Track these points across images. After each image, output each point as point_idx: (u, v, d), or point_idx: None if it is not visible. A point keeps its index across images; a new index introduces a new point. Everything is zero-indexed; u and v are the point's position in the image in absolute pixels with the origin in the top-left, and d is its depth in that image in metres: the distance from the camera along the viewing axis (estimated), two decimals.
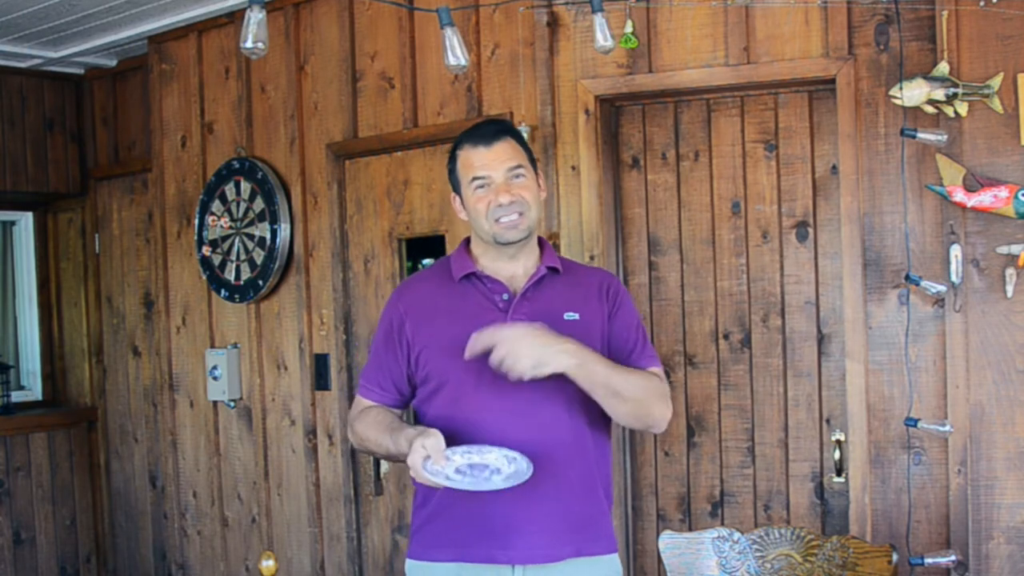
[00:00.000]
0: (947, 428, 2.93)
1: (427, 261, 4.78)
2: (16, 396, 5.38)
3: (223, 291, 4.43)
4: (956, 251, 2.90)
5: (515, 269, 2.41)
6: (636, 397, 2.30)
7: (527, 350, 2.15)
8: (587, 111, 3.40)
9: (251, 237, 4.32)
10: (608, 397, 2.27)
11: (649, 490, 3.50)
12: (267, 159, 4.33)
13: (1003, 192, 2.80)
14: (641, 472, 3.51)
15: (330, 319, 4.12)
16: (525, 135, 3.07)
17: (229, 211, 4.41)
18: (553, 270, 2.42)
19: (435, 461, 2.16)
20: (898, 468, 3.06)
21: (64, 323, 5.56)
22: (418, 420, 2.44)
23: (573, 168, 3.43)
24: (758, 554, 2.70)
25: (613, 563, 2.41)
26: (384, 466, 4.04)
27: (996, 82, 2.85)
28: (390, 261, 4.00)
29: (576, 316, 2.36)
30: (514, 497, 2.20)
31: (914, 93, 2.86)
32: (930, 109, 2.90)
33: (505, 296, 2.37)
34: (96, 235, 5.34)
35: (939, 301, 2.98)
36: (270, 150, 4.33)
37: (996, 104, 2.85)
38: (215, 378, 4.47)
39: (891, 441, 3.07)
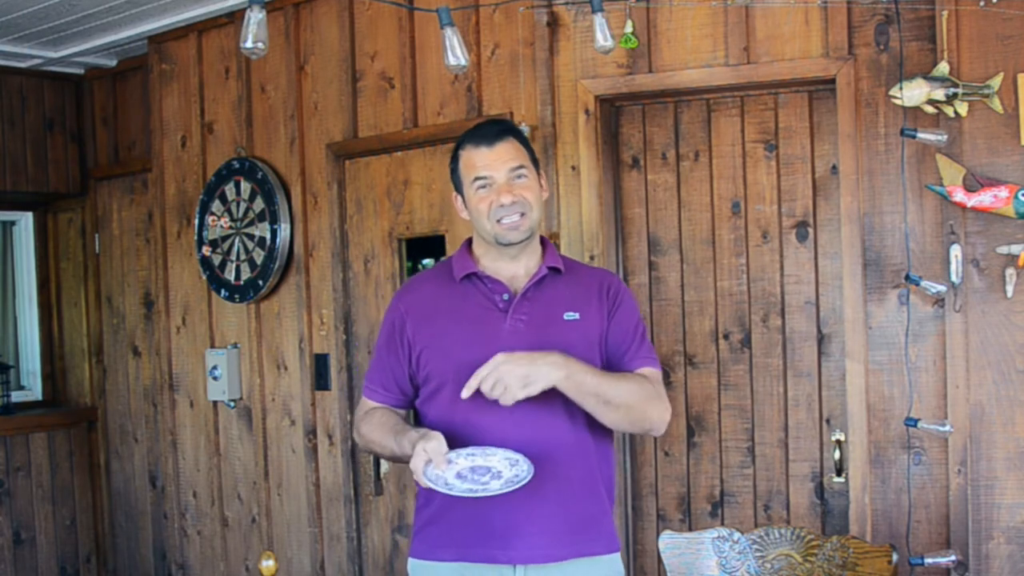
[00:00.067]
0: (947, 428, 2.93)
1: (427, 261, 4.78)
2: (16, 396, 5.38)
3: (223, 291, 4.43)
4: (956, 251, 2.90)
5: (516, 269, 2.41)
6: (628, 404, 2.30)
7: (510, 375, 2.15)
8: (587, 111, 3.40)
9: (251, 237, 4.32)
10: (599, 406, 2.27)
11: (649, 490, 3.50)
12: (267, 159, 4.33)
13: (1003, 192, 2.80)
14: (641, 472, 3.51)
15: (330, 319, 4.12)
16: (525, 135, 3.06)
17: (229, 211, 4.41)
18: (555, 270, 2.42)
19: (436, 465, 2.17)
20: (898, 468, 3.06)
21: (64, 323, 5.56)
22: (420, 420, 2.45)
23: (573, 168, 3.43)
24: (758, 554, 2.70)
25: (614, 563, 2.41)
26: (384, 466, 4.04)
27: (996, 82, 2.85)
28: (390, 261, 4.00)
29: (576, 316, 2.36)
30: (515, 498, 2.20)
31: (914, 93, 2.86)
32: (930, 109, 2.90)
33: (505, 296, 2.37)
34: (96, 235, 5.34)
35: (939, 301, 2.98)
36: (270, 150, 4.33)
37: (996, 104, 2.85)
38: (215, 378, 4.47)
39: (891, 441, 3.07)
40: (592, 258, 3.37)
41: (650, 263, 3.49)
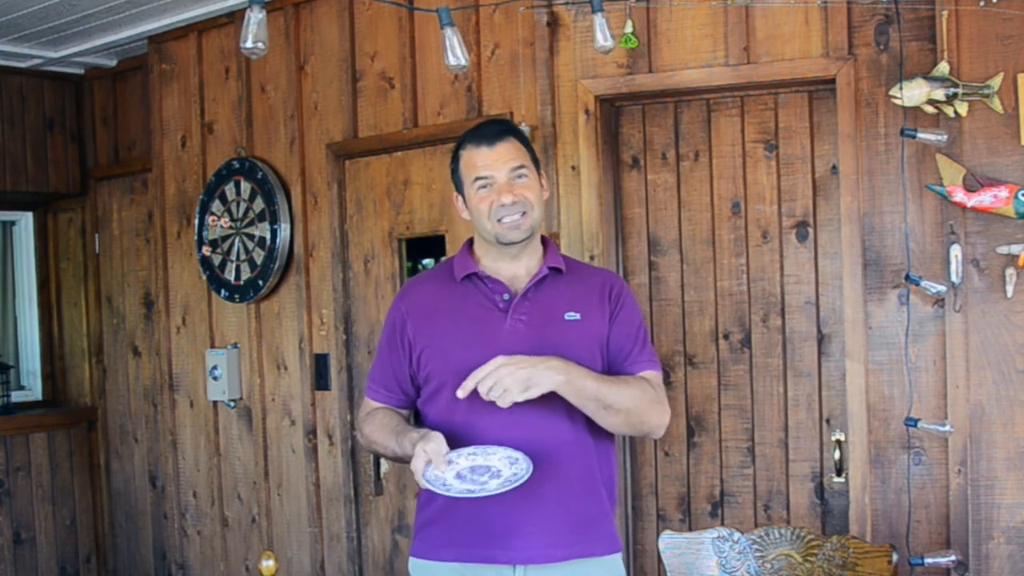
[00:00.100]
0: (947, 428, 2.93)
1: (427, 261, 4.79)
2: (16, 396, 5.38)
3: (223, 291, 4.43)
4: (956, 251, 2.90)
5: (517, 269, 2.41)
6: (628, 408, 2.30)
7: (510, 377, 2.14)
8: (587, 111, 3.40)
9: (251, 237, 4.32)
10: (599, 410, 2.27)
11: (649, 490, 3.50)
12: (267, 159, 4.33)
13: (1003, 192, 2.80)
14: (641, 472, 3.51)
15: (330, 319, 4.12)
16: (526, 135, 3.07)
17: (229, 211, 4.41)
18: (556, 270, 2.42)
19: (436, 466, 2.17)
20: (898, 468, 3.06)
21: (64, 323, 5.56)
22: (421, 420, 2.45)
23: (573, 168, 3.43)
24: (758, 554, 2.70)
25: (615, 564, 2.40)
26: (384, 466, 4.05)
27: (996, 82, 2.85)
28: (390, 261, 4.00)
29: (577, 316, 2.36)
30: (515, 498, 2.20)
31: (914, 93, 2.86)
32: (930, 109, 2.90)
33: (506, 296, 2.37)
34: (96, 235, 5.34)
35: (939, 301, 2.98)
36: (270, 150, 4.33)
37: (996, 104, 2.85)
38: (215, 378, 4.47)
39: (891, 441, 3.07)
40: (592, 258, 3.37)
41: (650, 263, 3.49)
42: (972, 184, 2.85)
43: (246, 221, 4.34)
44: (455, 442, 2.26)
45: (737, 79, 3.23)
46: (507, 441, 2.25)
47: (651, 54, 3.33)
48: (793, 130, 3.30)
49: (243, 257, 4.35)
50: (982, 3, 2.85)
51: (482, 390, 2.16)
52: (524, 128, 3.36)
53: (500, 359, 2.17)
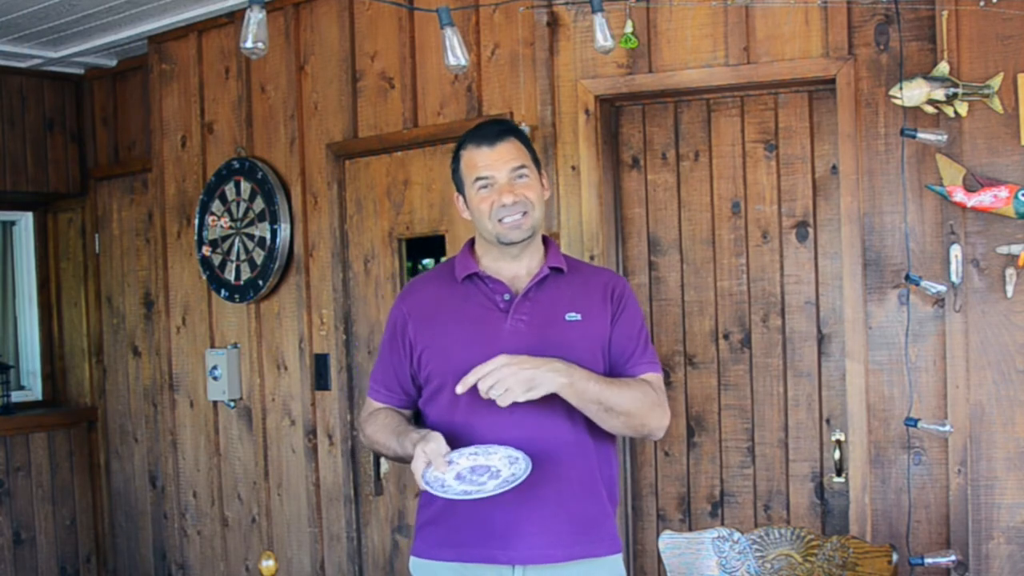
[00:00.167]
0: (947, 428, 2.93)
1: (427, 261, 4.79)
2: (16, 396, 5.38)
3: (223, 291, 4.43)
4: (956, 251, 2.90)
5: (518, 269, 2.41)
6: (629, 411, 2.30)
7: (513, 378, 2.14)
8: (587, 111, 3.40)
9: (251, 237, 4.32)
10: (600, 413, 2.28)
11: (649, 490, 3.50)
12: (267, 159, 4.33)
13: (1003, 192, 2.80)
14: (641, 472, 3.51)
15: (330, 319, 4.12)
16: (526, 135, 3.07)
17: (229, 211, 4.41)
18: (557, 270, 2.42)
19: (436, 467, 2.17)
20: (898, 468, 3.06)
21: (64, 323, 5.56)
22: (422, 420, 2.45)
23: (573, 168, 3.43)
24: (758, 554, 2.70)
25: (616, 565, 2.40)
26: (384, 466, 4.05)
27: (996, 82, 2.85)
28: (390, 261, 4.00)
29: (578, 317, 2.36)
30: (515, 498, 2.20)
31: (914, 93, 2.86)
32: (930, 109, 2.90)
33: (507, 296, 2.37)
34: (96, 235, 5.34)
35: (939, 301, 2.98)
36: (270, 150, 4.33)
37: (996, 104, 2.85)
38: (215, 378, 4.47)
39: (891, 441, 3.07)
40: (592, 258, 3.37)
41: (650, 263, 3.49)
42: (972, 184, 2.85)
43: (246, 221, 4.34)
44: (455, 442, 2.26)
45: (737, 79, 3.23)
46: (507, 441, 2.25)
47: (651, 54, 3.33)
48: (793, 130, 3.30)
49: (243, 257, 4.35)
50: (982, 3, 2.85)
51: (482, 387, 2.16)
52: (524, 128, 3.36)
53: (503, 358, 2.17)
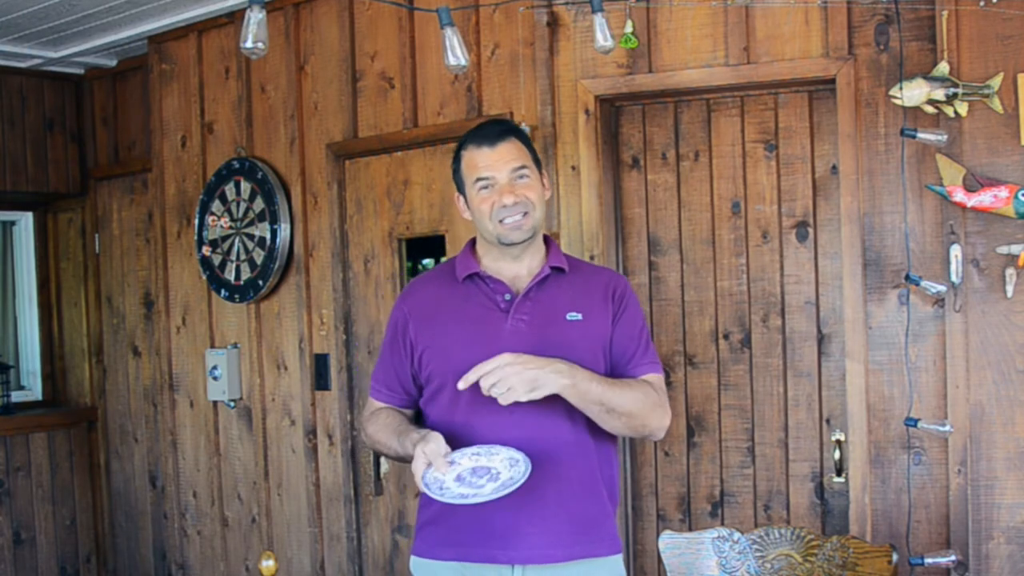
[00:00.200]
0: (947, 428, 2.93)
1: (427, 261, 4.79)
2: (16, 396, 5.38)
3: (223, 291, 4.43)
4: (956, 251, 2.90)
5: (519, 269, 2.41)
6: (630, 411, 2.30)
7: (516, 377, 2.14)
8: (587, 111, 3.40)
9: (251, 237, 4.32)
10: (602, 414, 2.28)
11: (649, 490, 3.50)
12: (267, 159, 4.33)
13: (1003, 192, 2.80)
14: (641, 472, 3.51)
15: (330, 319, 4.12)
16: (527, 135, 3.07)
17: (229, 211, 4.41)
18: (558, 270, 2.42)
19: (436, 467, 2.17)
20: (898, 468, 3.06)
21: (64, 323, 5.56)
22: (423, 420, 2.45)
23: (573, 168, 3.43)
24: (758, 554, 2.70)
25: (616, 565, 2.40)
26: (384, 466, 4.05)
27: (996, 82, 2.85)
28: (390, 261, 4.00)
29: (579, 317, 2.36)
30: (515, 498, 2.20)
31: (914, 93, 2.86)
32: (930, 109, 2.90)
33: (507, 296, 2.37)
34: (96, 235, 5.34)
35: (939, 301, 2.98)
36: (270, 150, 4.33)
37: (996, 104, 2.85)
38: (215, 378, 4.47)
39: (891, 441, 3.07)
40: (592, 258, 3.37)
41: (650, 263, 3.49)
42: (972, 184, 2.85)
43: (246, 221, 4.34)
44: (455, 442, 2.26)
45: (737, 79, 3.23)
46: (507, 442, 2.25)
47: (651, 54, 3.33)
48: (793, 130, 3.30)
49: (243, 257, 4.35)
50: (982, 3, 2.85)
51: (484, 384, 2.16)
52: (524, 128, 3.36)
53: (506, 356, 2.17)
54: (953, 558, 2.90)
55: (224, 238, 4.43)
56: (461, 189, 2.44)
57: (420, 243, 4.08)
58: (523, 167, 2.36)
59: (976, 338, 2.91)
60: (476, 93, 3.68)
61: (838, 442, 3.22)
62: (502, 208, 2.33)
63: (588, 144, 3.40)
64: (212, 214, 4.46)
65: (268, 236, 4.25)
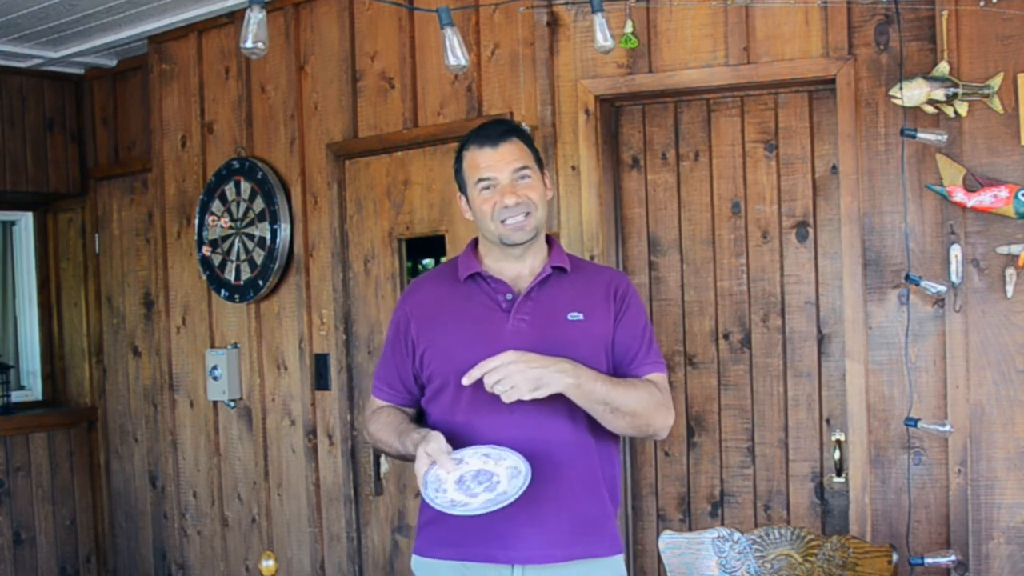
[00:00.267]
0: (947, 428, 2.93)
1: (427, 261, 4.79)
2: (16, 396, 5.38)
3: (223, 291, 4.43)
4: (956, 251, 2.90)
5: (521, 269, 2.41)
6: (635, 411, 2.30)
7: (520, 375, 2.14)
8: (587, 111, 3.40)
9: (251, 237, 4.32)
10: (606, 413, 2.27)
11: (649, 490, 3.50)
12: (267, 159, 4.33)
13: (1003, 192, 2.80)
14: (641, 472, 3.51)
15: (330, 319, 4.12)
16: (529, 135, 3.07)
17: (229, 211, 4.41)
18: (560, 269, 2.41)
19: (440, 465, 2.17)
20: (898, 468, 3.06)
21: (64, 323, 5.56)
22: (425, 419, 2.45)
23: (573, 168, 3.43)
24: (758, 554, 2.70)
25: (617, 565, 2.40)
26: (384, 466, 4.05)
27: (996, 82, 2.85)
28: (390, 261, 4.00)
29: (580, 317, 2.36)
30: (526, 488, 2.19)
31: (914, 93, 2.86)
32: (930, 109, 2.90)
33: (509, 296, 2.37)
34: (96, 235, 5.34)
35: (939, 301, 2.98)
36: (270, 150, 4.33)
37: (996, 104, 2.85)
38: (215, 378, 4.47)
39: (891, 441, 3.07)
40: (592, 258, 3.37)
41: (650, 263, 3.49)
42: (972, 184, 2.85)
43: (246, 221, 4.34)
44: (455, 441, 2.26)
45: (737, 79, 3.23)
46: (507, 441, 2.25)
47: (651, 54, 3.33)
48: (793, 130, 3.30)
49: (243, 257, 4.35)
50: (982, 3, 2.85)
51: (488, 381, 2.15)
52: (526, 128, 3.36)
53: (511, 354, 2.17)
54: (953, 558, 2.90)
55: (224, 238, 4.43)
56: (463, 189, 2.44)
57: (420, 243, 4.08)
58: (525, 167, 2.36)
59: (976, 338, 2.91)
60: (476, 93, 3.68)
61: (838, 442, 3.22)
62: (504, 208, 2.33)
63: (588, 144, 3.40)
64: (212, 214, 4.46)
65: (268, 236, 4.25)
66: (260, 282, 4.28)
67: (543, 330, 2.32)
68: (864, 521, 3.07)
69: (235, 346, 4.49)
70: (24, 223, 5.53)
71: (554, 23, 3.46)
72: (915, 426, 2.94)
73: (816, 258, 3.28)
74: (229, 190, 4.40)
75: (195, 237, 4.55)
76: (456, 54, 2.88)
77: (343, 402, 4.09)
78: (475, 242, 2.49)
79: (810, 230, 3.29)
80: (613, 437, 2.41)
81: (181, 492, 4.79)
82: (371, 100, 3.99)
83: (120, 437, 5.29)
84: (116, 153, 5.25)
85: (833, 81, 3.12)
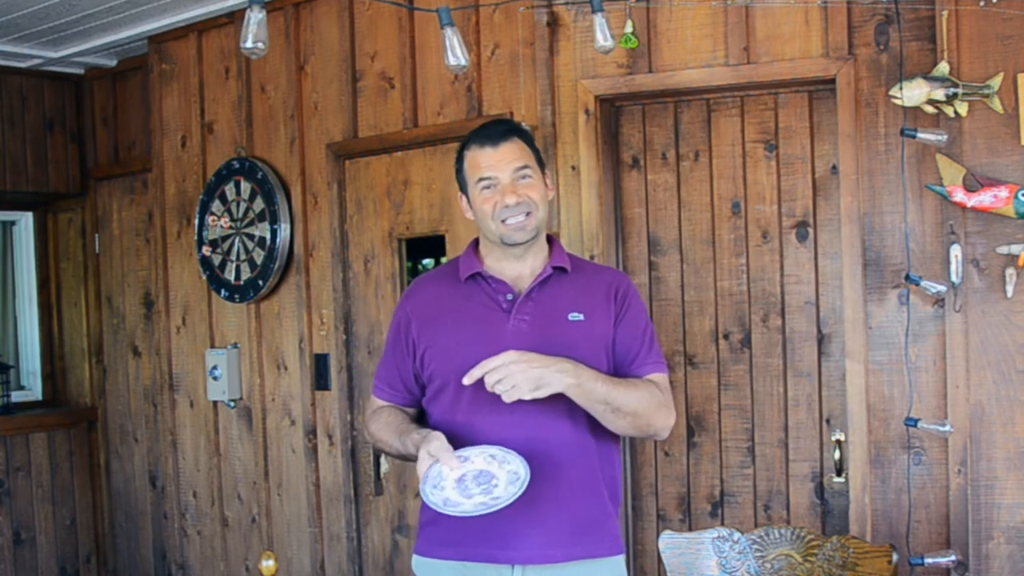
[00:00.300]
0: (947, 428, 2.93)
1: (427, 261, 4.79)
2: (16, 396, 5.38)
3: (223, 291, 4.43)
4: (956, 251, 2.90)
5: (522, 269, 2.41)
6: (636, 411, 2.30)
7: (521, 375, 2.14)
8: (587, 111, 3.40)
9: (251, 237, 4.32)
10: (607, 413, 2.27)
11: (649, 490, 3.50)
12: (267, 159, 4.33)
13: (1003, 192, 2.80)
14: (641, 472, 3.51)
15: (330, 319, 4.12)
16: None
17: (229, 211, 4.41)
18: (560, 269, 2.41)
19: (444, 462, 2.17)
20: (898, 468, 3.06)
21: (64, 323, 5.56)
22: (426, 418, 2.45)
23: (573, 168, 3.43)
24: (758, 554, 2.70)
25: (618, 566, 2.40)
26: (384, 466, 4.05)
27: (996, 82, 2.85)
28: (390, 261, 4.00)
29: (581, 317, 2.36)
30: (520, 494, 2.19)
31: (914, 93, 2.86)
32: (930, 109, 2.90)
33: (509, 296, 2.37)
34: (96, 235, 5.35)
35: (939, 301, 2.98)
36: (270, 150, 4.33)
37: (996, 104, 2.85)
38: (215, 378, 4.47)
39: (891, 441, 3.07)
40: (592, 258, 3.37)
41: (650, 263, 3.49)
42: (972, 184, 2.85)
43: (246, 221, 4.34)
44: (456, 441, 2.26)
45: (737, 79, 3.23)
46: (507, 441, 2.25)
47: (651, 54, 3.33)
48: (793, 130, 3.30)
49: (243, 257, 4.35)
50: (982, 3, 2.85)
51: (489, 380, 2.15)
52: (525, 128, 3.36)
53: (512, 354, 2.17)
54: (953, 558, 2.90)
55: (224, 238, 4.43)
56: (464, 189, 2.44)
57: (420, 243, 4.08)
58: (526, 167, 2.36)
59: (976, 338, 2.91)
60: (476, 93, 3.68)
61: (838, 442, 3.22)
62: (504, 208, 2.33)
63: (588, 144, 3.40)
64: (212, 214, 4.46)
65: (268, 236, 4.25)
66: (260, 282, 4.28)
67: (544, 330, 2.32)
68: (864, 521, 3.07)
69: (235, 346, 4.49)
70: (24, 223, 5.53)
71: (554, 23, 3.46)
72: (915, 426, 2.94)
73: (816, 258, 3.28)
74: (229, 190, 4.40)
75: (195, 237, 4.55)
76: (456, 54, 2.88)
77: (343, 402, 4.09)
78: (476, 242, 2.49)
79: (810, 230, 3.29)
80: (613, 437, 2.41)
81: (181, 492, 4.79)
82: (371, 100, 3.99)
83: (120, 437, 5.29)
84: (116, 153, 5.25)
85: (833, 81, 3.12)
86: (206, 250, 4.49)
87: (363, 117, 4.02)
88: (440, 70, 3.73)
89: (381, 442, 2.45)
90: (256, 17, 2.55)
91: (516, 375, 2.14)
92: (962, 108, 2.87)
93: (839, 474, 3.22)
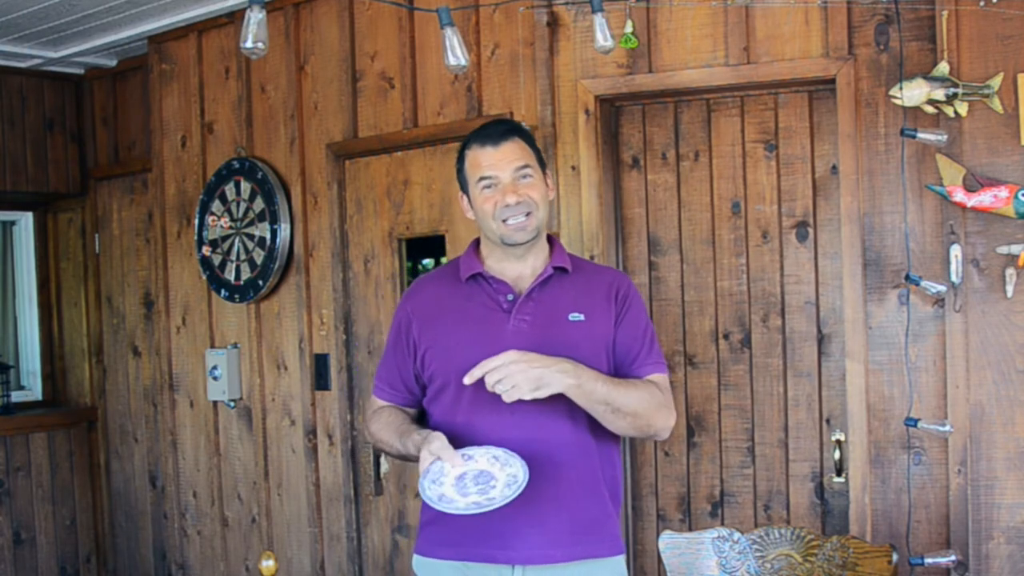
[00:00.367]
0: (947, 428, 2.93)
1: (427, 261, 4.79)
2: (16, 396, 5.38)
3: (223, 291, 4.43)
4: (956, 251, 2.90)
5: (523, 269, 2.41)
6: (636, 412, 2.30)
7: (522, 375, 2.14)
8: (587, 111, 3.40)
9: (251, 237, 4.32)
10: (607, 414, 2.27)
11: (649, 490, 3.50)
12: (267, 159, 4.33)
13: (1003, 192, 2.80)
14: (641, 472, 3.51)
15: (330, 319, 4.12)
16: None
17: (229, 211, 4.41)
18: (561, 270, 2.41)
19: (447, 460, 2.17)
20: (898, 468, 3.06)
21: (64, 323, 5.56)
22: (426, 418, 2.45)
23: (573, 168, 3.43)
24: (758, 554, 2.70)
25: (618, 566, 2.40)
26: (384, 466, 4.05)
27: (996, 82, 2.85)
28: (390, 261, 4.00)
29: (581, 317, 2.36)
30: (515, 498, 2.20)
31: (914, 93, 2.86)
32: (930, 109, 2.90)
33: (510, 296, 2.37)
34: (96, 235, 5.35)
35: (939, 301, 2.98)
36: (270, 150, 4.33)
37: (996, 104, 2.85)
38: (215, 378, 4.47)
39: (891, 441, 3.07)
40: (592, 258, 3.37)
41: (650, 263, 3.49)
42: (972, 184, 2.85)
43: (246, 221, 4.34)
44: (456, 442, 2.26)
45: (737, 79, 3.23)
46: (507, 441, 2.25)
47: (651, 54, 3.33)
48: (793, 130, 3.30)
49: (243, 257, 4.35)
50: (982, 3, 2.85)
51: (489, 380, 2.15)
52: (526, 128, 3.36)
53: (513, 354, 2.17)
54: (953, 558, 2.90)
55: (224, 238, 4.43)
56: (465, 189, 2.44)
57: (420, 243, 4.08)
58: (526, 167, 2.36)
59: (976, 338, 2.91)
60: (476, 93, 3.68)
61: (838, 442, 3.22)
62: (505, 208, 2.33)
63: (588, 144, 3.40)
64: (212, 214, 4.46)
65: (268, 236, 4.25)
66: (260, 282, 4.28)
67: (544, 330, 2.32)
68: (864, 521, 3.07)
69: (235, 346, 4.49)
70: (24, 223, 5.53)
71: (554, 23, 3.46)
72: (915, 426, 2.94)
73: (816, 258, 3.28)
74: (229, 190, 4.40)
75: (195, 237, 4.55)
76: (456, 54, 2.88)
77: (343, 402, 4.09)
78: (477, 242, 2.49)
79: (810, 230, 3.29)
80: (614, 437, 2.41)
81: (181, 492, 4.79)
82: (371, 100, 3.99)
83: (120, 437, 5.29)
84: (116, 153, 5.25)
85: (833, 81, 3.12)
86: (206, 250, 4.49)
87: (363, 117, 4.02)
88: (440, 70, 3.73)
89: (381, 442, 2.45)
90: (256, 17, 2.55)
91: (516, 375, 2.14)
92: (962, 108, 2.87)
93: (839, 474, 3.22)
